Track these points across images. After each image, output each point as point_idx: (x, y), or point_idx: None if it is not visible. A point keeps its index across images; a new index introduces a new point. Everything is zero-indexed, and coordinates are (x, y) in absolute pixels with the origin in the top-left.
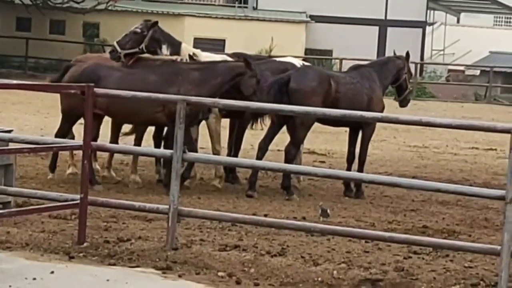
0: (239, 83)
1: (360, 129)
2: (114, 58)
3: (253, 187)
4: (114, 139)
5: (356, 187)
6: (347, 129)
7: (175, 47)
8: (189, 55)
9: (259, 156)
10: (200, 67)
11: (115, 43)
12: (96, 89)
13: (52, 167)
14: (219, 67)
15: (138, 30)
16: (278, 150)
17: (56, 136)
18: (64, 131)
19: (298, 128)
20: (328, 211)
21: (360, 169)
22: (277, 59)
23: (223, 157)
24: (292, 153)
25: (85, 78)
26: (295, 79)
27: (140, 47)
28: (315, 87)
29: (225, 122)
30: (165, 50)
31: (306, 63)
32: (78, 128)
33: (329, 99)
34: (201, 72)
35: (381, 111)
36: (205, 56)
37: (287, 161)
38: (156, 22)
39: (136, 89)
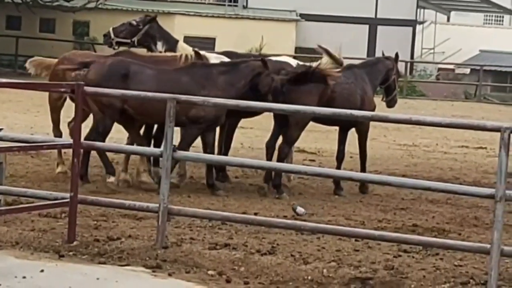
0: (256, 82)
1: (352, 128)
2: (106, 43)
3: (280, 189)
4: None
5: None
6: (337, 128)
7: (171, 44)
8: (195, 52)
9: (269, 157)
10: (225, 70)
11: (111, 29)
12: (86, 88)
13: (83, 174)
14: (242, 70)
15: (134, 23)
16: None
17: (97, 134)
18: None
19: (293, 127)
20: (298, 210)
21: (363, 168)
22: (273, 58)
23: (213, 156)
24: (285, 152)
25: (114, 73)
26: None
27: (133, 39)
28: (311, 87)
29: None
30: (160, 46)
31: (301, 63)
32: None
33: (325, 99)
34: (227, 76)
35: (373, 111)
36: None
37: (279, 159)
38: (154, 18)
39: (168, 89)
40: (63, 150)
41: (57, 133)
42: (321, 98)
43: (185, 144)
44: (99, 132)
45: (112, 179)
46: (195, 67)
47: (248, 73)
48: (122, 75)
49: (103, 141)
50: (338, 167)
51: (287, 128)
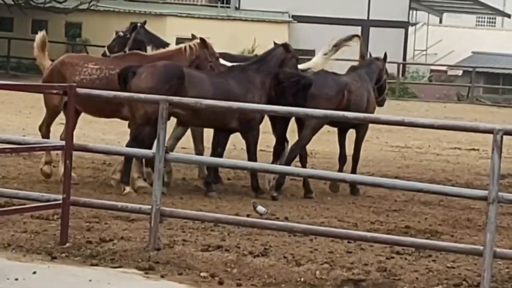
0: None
1: (351, 129)
2: None
3: (279, 189)
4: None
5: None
6: (334, 129)
7: (161, 47)
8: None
9: (290, 159)
10: (257, 69)
11: (106, 48)
12: (78, 89)
13: (126, 180)
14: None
15: (122, 34)
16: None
17: (134, 141)
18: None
19: (308, 130)
20: (259, 208)
21: (354, 169)
22: None
23: (205, 157)
24: (296, 153)
25: (172, 76)
26: (316, 85)
27: (125, 50)
28: (332, 96)
29: None
30: (150, 50)
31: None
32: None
33: (341, 106)
34: (260, 76)
35: (373, 112)
36: None
37: (289, 160)
38: (138, 24)
39: (221, 93)
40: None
41: (46, 135)
42: (338, 106)
43: (255, 147)
44: (141, 140)
45: (128, 189)
46: (236, 71)
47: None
48: (178, 80)
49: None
50: (341, 170)
51: (301, 131)
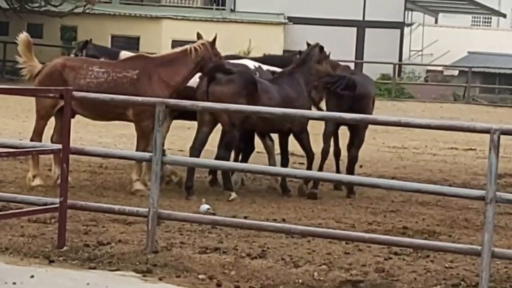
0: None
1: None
2: None
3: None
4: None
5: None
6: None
7: (114, 57)
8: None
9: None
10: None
11: None
12: (74, 93)
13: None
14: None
15: (73, 55)
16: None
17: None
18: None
19: (362, 131)
20: (203, 208)
21: (352, 169)
22: (232, 61)
23: (202, 160)
24: (357, 156)
25: (249, 83)
26: (361, 85)
27: None
28: (373, 95)
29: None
30: None
31: (262, 65)
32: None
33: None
34: (304, 79)
35: None
36: None
37: (352, 164)
38: (87, 42)
39: (284, 100)
40: (40, 159)
41: (38, 140)
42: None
43: (309, 145)
44: (229, 145)
45: (234, 195)
46: (285, 77)
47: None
48: (254, 86)
49: (230, 153)
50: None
51: (356, 133)
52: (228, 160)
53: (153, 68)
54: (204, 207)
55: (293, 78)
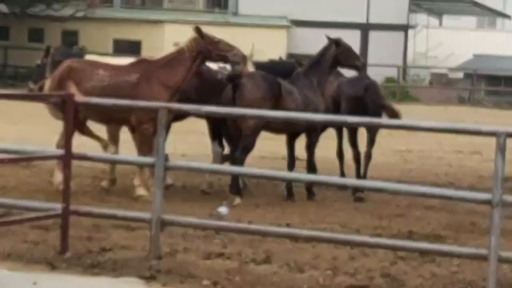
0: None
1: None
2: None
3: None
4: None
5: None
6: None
7: (79, 58)
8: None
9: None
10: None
11: (30, 83)
12: (76, 97)
13: (236, 190)
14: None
15: (39, 62)
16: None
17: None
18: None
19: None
20: (221, 210)
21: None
22: None
23: (205, 164)
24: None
25: (274, 87)
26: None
27: (46, 75)
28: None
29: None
30: None
31: (225, 66)
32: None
33: None
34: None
35: None
36: None
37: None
38: (49, 47)
39: (304, 101)
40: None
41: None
42: None
43: (313, 148)
44: (247, 149)
45: (238, 201)
46: (301, 77)
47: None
48: (279, 90)
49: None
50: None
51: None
52: (242, 163)
53: (153, 71)
54: (224, 209)
55: (308, 79)
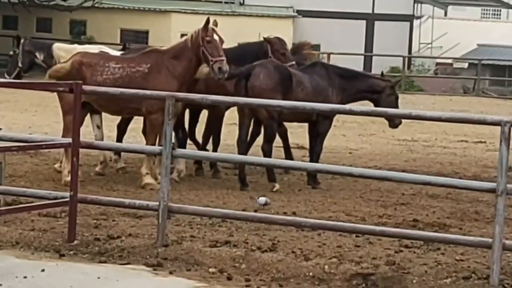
0: (378, 100)
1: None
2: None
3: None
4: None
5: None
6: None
7: (47, 49)
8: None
9: None
10: (342, 74)
11: (5, 74)
12: (84, 86)
13: (272, 178)
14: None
15: (11, 52)
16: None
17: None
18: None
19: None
20: (260, 200)
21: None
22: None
23: (210, 153)
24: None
25: (285, 77)
26: None
27: (19, 65)
28: None
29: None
30: (40, 56)
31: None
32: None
33: None
34: (342, 80)
35: None
36: None
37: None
38: (19, 37)
39: (315, 91)
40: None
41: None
42: None
43: (323, 137)
44: (271, 139)
45: (277, 186)
46: (316, 67)
47: (363, 86)
48: (290, 80)
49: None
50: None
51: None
52: (270, 154)
53: (163, 61)
54: (262, 199)
55: (325, 70)
